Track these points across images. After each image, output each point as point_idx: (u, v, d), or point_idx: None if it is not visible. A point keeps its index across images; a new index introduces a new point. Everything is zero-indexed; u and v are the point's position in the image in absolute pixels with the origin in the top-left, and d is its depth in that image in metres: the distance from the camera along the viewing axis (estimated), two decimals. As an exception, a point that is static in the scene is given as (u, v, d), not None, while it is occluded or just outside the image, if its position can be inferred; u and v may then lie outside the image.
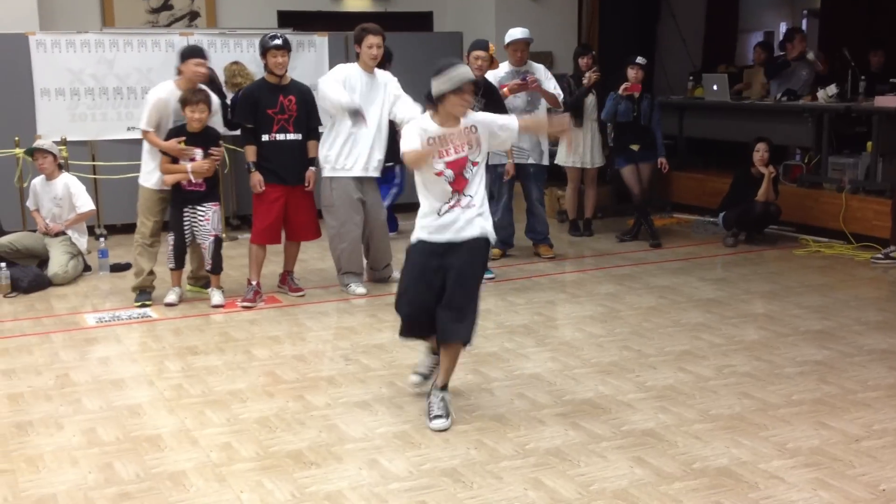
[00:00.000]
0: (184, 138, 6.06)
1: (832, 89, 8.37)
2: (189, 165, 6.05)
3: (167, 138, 6.11)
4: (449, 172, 4.06)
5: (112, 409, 4.39)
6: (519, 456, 3.80)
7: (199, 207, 6.15)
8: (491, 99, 6.50)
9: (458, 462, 3.75)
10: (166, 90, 6.18)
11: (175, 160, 6.10)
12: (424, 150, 4.02)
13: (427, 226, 4.15)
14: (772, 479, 3.56)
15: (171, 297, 6.27)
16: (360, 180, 6.42)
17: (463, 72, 4.01)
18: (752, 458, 3.75)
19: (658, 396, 4.47)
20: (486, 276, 6.57)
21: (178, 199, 6.15)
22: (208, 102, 6.06)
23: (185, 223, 6.17)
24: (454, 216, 4.10)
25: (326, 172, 6.41)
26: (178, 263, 6.27)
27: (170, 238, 6.22)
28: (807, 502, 3.37)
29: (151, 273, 6.35)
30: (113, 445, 3.97)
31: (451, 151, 4.06)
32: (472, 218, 4.11)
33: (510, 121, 4.29)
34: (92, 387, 4.72)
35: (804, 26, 13.54)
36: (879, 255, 7.26)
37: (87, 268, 7.27)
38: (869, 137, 8.01)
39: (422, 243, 4.16)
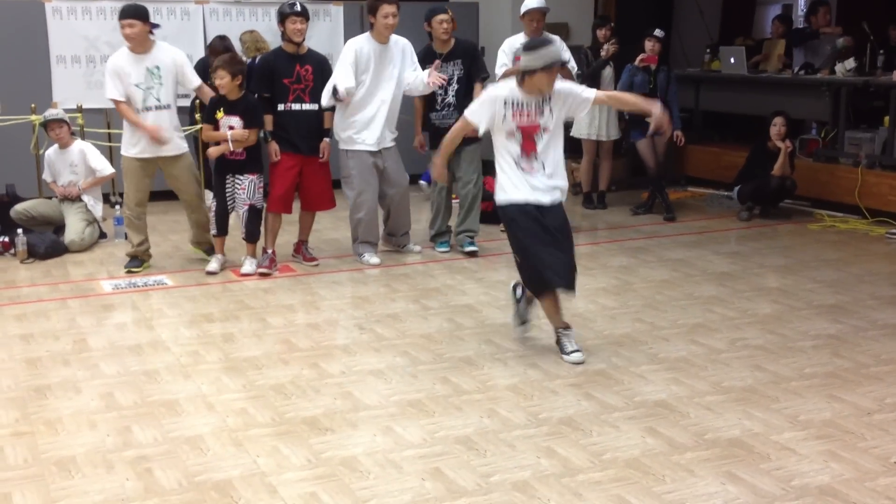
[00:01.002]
0: (221, 108, 6.10)
1: (850, 63, 8.29)
2: (229, 134, 6.07)
3: (209, 107, 6.17)
4: (520, 135, 4.45)
5: (129, 375, 4.45)
6: (532, 425, 3.84)
7: (238, 177, 6.18)
8: (471, 60, 6.74)
9: (472, 430, 3.78)
10: (120, 57, 6.15)
11: (216, 127, 6.14)
12: (440, 158, 4.73)
13: (514, 187, 4.50)
14: (783, 450, 3.58)
15: (214, 265, 6.31)
16: (374, 153, 6.43)
17: (554, 52, 4.39)
18: (763, 429, 3.77)
19: (670, 368, 4.49)
20: (470, 247, 6.66)
21: (220, 166, 6.22)
22: (230, 68, 6.02)
23: (228, 190, 6.20)
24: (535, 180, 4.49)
25: (342, 146, 6.43)
26: (221, 230, 6.31)
27: (213, 204, 6.28)
28: (818, 473, 3.40)
29: (142, 244, 6.41)
30: (131, 410, 4.02)
31: (525, 118, 4.43)
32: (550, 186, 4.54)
33: (588, 94, 4.61)
34: (109, 352, 4.78)
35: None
36: (894, 231, 7.23)
37: (102, 235, 7.32)
38: (886, 112, 7.95)
39: (518, 206, 4.50)
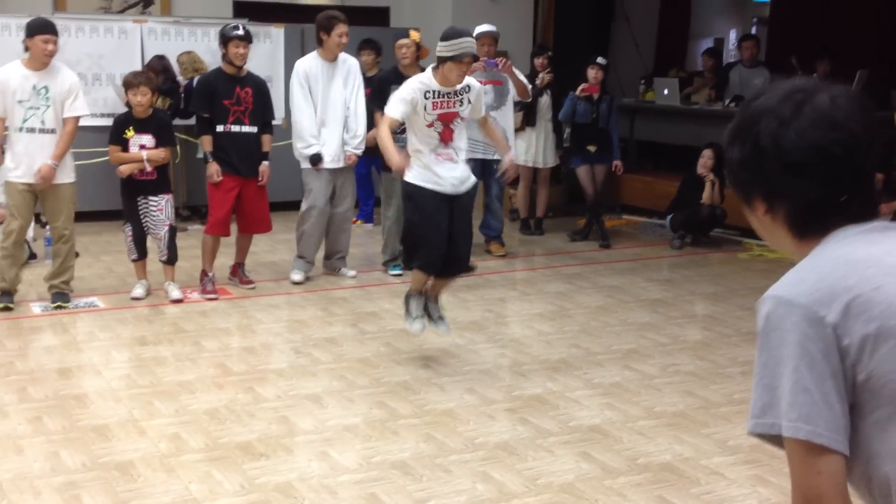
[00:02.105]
0: (131, 127, 5.95)
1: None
2: (144, 154, 5.95)
3: (114, 127, 5.97)
4: (439, 124, 4.62)
5: (58, 399, 4.35)
6: (468, 450, 3.85)
7: (151, 198, 6.04)
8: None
9: (408, 455, 3.79)
10: (8, 69, 5.72)
11: (125, 147, 5.98)
12: (392, 152, 4.54)
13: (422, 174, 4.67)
14: (713, 475, 3.66)
15: (139, 290, 6.12)
16: (332, 171, 6.55)
17: (467, 45, 4.57)
18: (694, 454, 3.85)
19: (604, 393, 4.56)
20: (394, 271, 6.77)
21: (129, 189, 6.02)
22: (151, 84, 5.96)
23: (141, 212, 6.05)
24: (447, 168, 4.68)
25: (302, 164, 6.58)
26: (142, 253, 6.13)
27: (127, 229, 6.08)
28: (746, 498, 3.48)
29: (15, 278, 5.86)
30: (59, 434, 3.93)
31: (445, 106, 4.62)
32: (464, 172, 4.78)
33: (483, 113, 4.95)
34: (37, 375, 4.67)
35: (753, 34, 13.81)
36: (820, 260, 7.45)
37: (32, 256, 7.15)
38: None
39: (424, 189, 4.65)
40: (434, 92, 4.62)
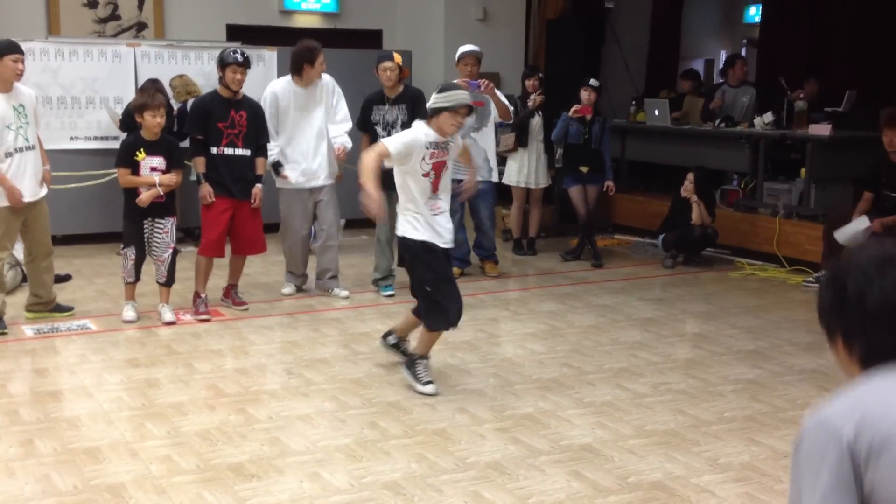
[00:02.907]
0: (142, 149, 5.94)
1: (768, 117, 8.64)
2: (157, 178, 5.93)
3: (123, 149, 5.97)
4: (433, 174, 4.71)
5: (50, 421, 4.35)
6: (459, 469, 3.86)
7: (158, 220, 6.03)
8: (415, 106, 6.90)
9: (400, 475, 3.79)
10: None
11: (136, 169, 5.95)
12: (374, 182, 4.51)
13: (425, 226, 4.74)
14: (703, 493, 3.67)
15: (131, 313, 6.10)
16: (308, 190, 6.68)
17: (463, 96, 4.67)
18: (684, 472, 3.86)
19: (596, 412, 4.57)
20: (386, 291, 6.80)
21: (136, 212, 5.97)
22: (165, 106, 5.99)
23: (146, 234, 6.04)
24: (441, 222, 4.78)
25: (278, 184, 6.70)
26: (138, 276, 6.12)
27: (129, 252, 6.04)
28: (736, 515, 3.48)
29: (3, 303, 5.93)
30: (51, 457, 3.93)
31: (439, 156, 4.72)
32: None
33: (458, 148, 4.96)
34: (29, 398, 4.67)
35: (743, 55, 13.92)
36: (811, 279, 7.50)
37: (24, 278, 7.15)
38: (803, 164, 8.29)
39: (431, 245, 4.74)
40: (433, 143, 4.69)
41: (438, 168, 4.74)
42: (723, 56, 13.65)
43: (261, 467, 3.85)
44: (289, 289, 6.92)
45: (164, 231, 6.05)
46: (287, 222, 6.77)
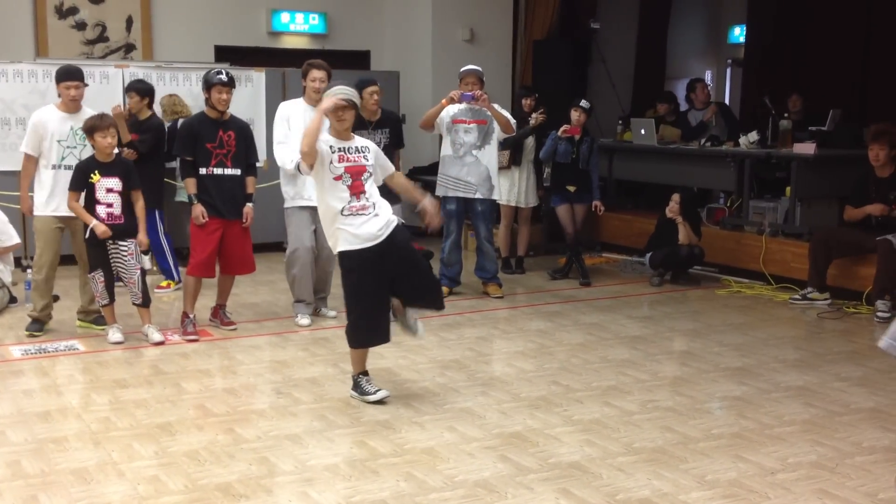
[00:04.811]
0: (96, 171, 5.91)
1: (753, 136, 8.71)
2: (93, 222, 5.88)
3: (77, 173, 5.95)
4: (347, 177, 4.78)
5: (37, 442, 4.33)
6: (448, 488, 3.86)
7: (121, 243, 6.00)
8: (394, 129, 7.07)
9: (388, 494, 3.79)
10: (45, 112, 6.26)
11: (91, 191, 5.92)
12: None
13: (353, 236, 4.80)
14: (691, 509, 3.68)
15: (117, 335, 6.08)
16: (314, 210, 6.55)
17: (334, 90, 4.82)
18: (672, 489, 3.87)
19: (584, 430, 4.58)
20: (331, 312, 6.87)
21: (95, 235, 5.94)
22: (114, 127, 5.99)
23: (111, 256, 6.02)
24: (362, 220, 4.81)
25: (286, 204, 6.61)
26: (112, 297, 6.11)
27: (98, 275, 6.03)
28: (723, 531, 3.49)
29: (46, 308, 6.31)
30: (38, 478, 3.91)
31: (350, 161, 4.81)
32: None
33: (390, 167, 5.12)
34: (16, 419, 4.65)
35: (728, 75, 14.08)
36: (797, 296, 7.55)
37: (12, 299, 7.14)
38: (788, 182, 8.35)
39: (358, 252, 4.81)
40: (333, 147, 4.80)
41: (356, 173, 4.81)
42: (708, 76, 13.78)
43: (249, 487, 3.84)
44: (305, 319, 6.63)
45: (128, 253, 6.01)
46: (297, 245, 6.55)
